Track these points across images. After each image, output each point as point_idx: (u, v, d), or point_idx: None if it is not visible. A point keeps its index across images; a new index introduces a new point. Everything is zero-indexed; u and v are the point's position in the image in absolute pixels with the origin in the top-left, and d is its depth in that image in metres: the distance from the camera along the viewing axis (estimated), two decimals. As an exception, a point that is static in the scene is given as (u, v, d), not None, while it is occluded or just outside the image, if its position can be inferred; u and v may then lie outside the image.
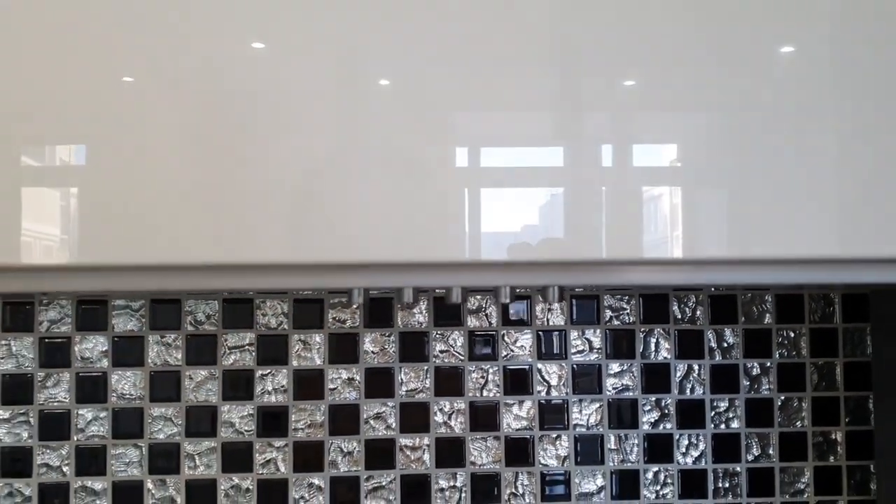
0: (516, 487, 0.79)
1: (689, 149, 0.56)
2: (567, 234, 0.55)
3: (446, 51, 0.56)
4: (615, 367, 0.80)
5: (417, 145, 0.56)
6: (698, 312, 0.80)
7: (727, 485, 0.80)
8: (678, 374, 0.80)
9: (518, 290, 0.79)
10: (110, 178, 0.55)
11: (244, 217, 0.54)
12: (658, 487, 0.80)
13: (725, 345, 0.81)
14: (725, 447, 0.80)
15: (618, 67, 0.57)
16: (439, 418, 0.79)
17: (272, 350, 0.78)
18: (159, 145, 0.55)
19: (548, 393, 0.80)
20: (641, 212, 0.57)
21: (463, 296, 0.60)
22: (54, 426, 0.76)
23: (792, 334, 0.81)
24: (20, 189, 0.54)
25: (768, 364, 0.81)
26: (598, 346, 0.80)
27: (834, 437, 0.81)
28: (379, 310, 0.79)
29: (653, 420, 0.80)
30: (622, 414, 0.80)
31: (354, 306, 0.78)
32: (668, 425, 0.80)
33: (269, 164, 0.54)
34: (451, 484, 0.78)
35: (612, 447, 0.79)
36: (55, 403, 0.76)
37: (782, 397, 0.81)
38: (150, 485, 0.76)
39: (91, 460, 0.76)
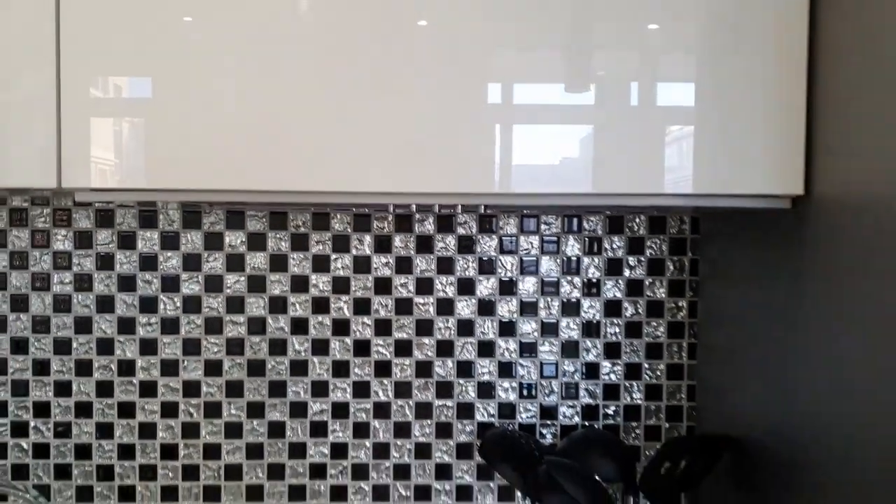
0: (484, 328, 1.31)
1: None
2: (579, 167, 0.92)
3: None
4: (546, 259, 1.31)
5: (454, 83, 0.73)
6: (599, 226, 1.31)
7: (613, 331, 1.31)
8: (585, 264, 1.31)
9: (489, 211, 1.29)
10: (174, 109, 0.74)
11: (293, 148, 0.80)
12: (569, 331, 1.31)
13: (615, 246, 1.31)
14: (612, 308, 1.31)
15: (641, 11, 0.76)
16: (439, 287, 1.31)
17: (340, 244, 1.30)
18: (215, 81, 0.73)
19: (505, 275, 1.31)
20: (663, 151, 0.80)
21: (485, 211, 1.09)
22: (215, 284, 1.30)
23: (658, 241, 1.31)
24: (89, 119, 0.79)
25: (642, 259, 1.31)
26: (537, 247, 1.31)
27: (681, 304, 1.31)
28: (404, 222, 1.30)
29: (568, 291, 1.31)
30: (550, 288, 1.31)
31: (390, 218, 1.30)
32: (577, 294, 1.31)
33: (315, 101, 0.76)
34: (446, 325, 1.31)
35: (542, 307, 1.31)
36: (214, 272, 1.30)
37: (650, 280, 1.31)
38: (270, 321, 1.30)
39: (235, 305, 1.30)
